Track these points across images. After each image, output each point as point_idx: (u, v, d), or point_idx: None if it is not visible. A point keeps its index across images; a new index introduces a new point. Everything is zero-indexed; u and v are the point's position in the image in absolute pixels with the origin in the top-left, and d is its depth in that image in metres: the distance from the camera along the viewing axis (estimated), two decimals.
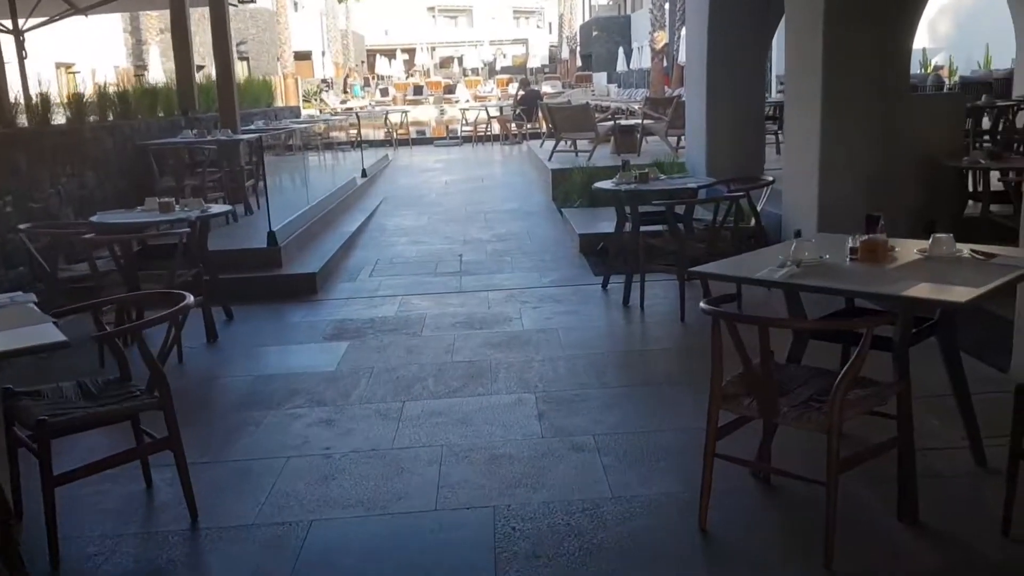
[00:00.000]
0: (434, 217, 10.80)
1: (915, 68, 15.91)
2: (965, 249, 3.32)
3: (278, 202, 9.60)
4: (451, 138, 21.35)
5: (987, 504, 3.29)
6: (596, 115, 13.78)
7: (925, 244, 3.39)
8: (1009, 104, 9.61)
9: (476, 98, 31.88)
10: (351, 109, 26.41)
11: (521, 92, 19.94)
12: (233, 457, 4.07)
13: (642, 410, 4.36)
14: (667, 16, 27.06)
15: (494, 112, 21.25)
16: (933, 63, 17.63)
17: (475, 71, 45.50)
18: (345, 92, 35.82)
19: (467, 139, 20.97)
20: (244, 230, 8.88)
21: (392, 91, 35.57)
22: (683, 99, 12.26)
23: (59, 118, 9.22)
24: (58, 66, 20.44)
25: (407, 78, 41.61)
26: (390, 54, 45.40)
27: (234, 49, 11.54)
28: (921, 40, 15.32)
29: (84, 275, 5.76)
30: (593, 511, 3.36)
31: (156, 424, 3.55)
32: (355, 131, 16.71)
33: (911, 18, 6.85)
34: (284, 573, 3.08)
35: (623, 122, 13.48)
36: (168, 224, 6.25)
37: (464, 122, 21.85)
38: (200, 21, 17.65)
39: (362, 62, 50.68)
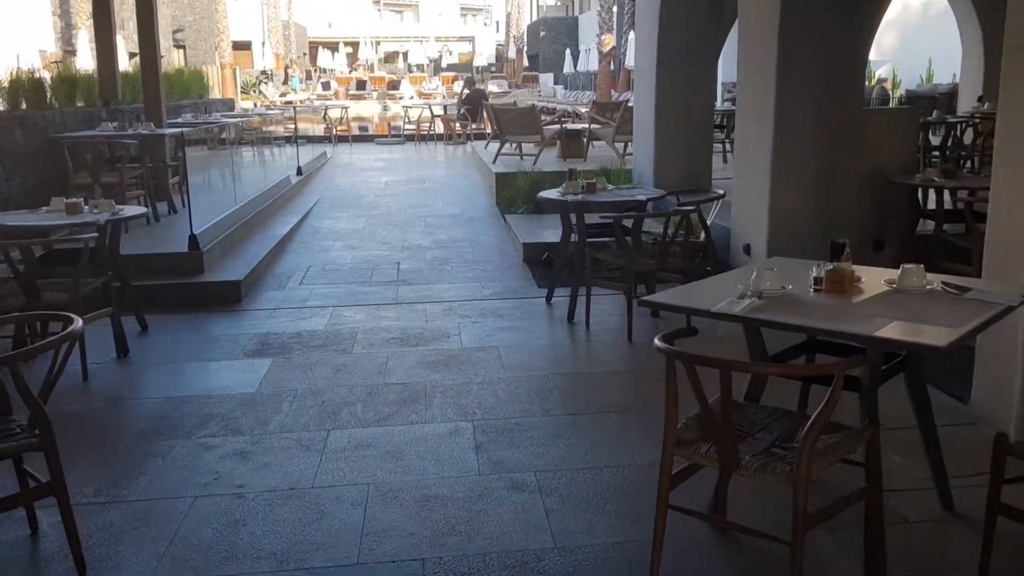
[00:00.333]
0: (372, 220, 10.37)
1: None
2: (936, 281, 3.07)
3: (205, 202, 9.08)
4: (393, 136, 20.87)
5: (958, 554, 3.06)
6: (543, 118, 13.48)
7: (893, 274, 3.14)
8: (959, 120, 9.54)
9: (421, 95, 31.39)
10: (290, 103, 25.72)
11: (466, 91, 19.58)
12: (133, 496, 3.63)
13: (588, 443, 4.02)
14: (615, 19, 26.94)
15: (438, 111, 20.83)
16: (877, 75, 17.73)
17: (420, 67, 44.92)
18: (285, 84, 35.00)
19: (410, 138, 20.51)
20: (166, 231, 8.35)
21: (334, 85, 34.88)
22: (631, 104, 12.02)
23: None
24: None
25: (350, 72, 40.91)
26: (333, 47, 44.59)
27: (161, 37, 10.89)
28: None
29: None
30: (535, 565, 3.02)
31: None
32: (292, 126, 16.15)
33: (866, 31, 6.68)
34: None
35: (570, 126, 13.20)
36: (75, 227, 5.74)
37: (407, 120, 21.37)
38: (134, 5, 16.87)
39: (304, 54, 49.70)
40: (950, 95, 13.20)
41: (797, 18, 6.29)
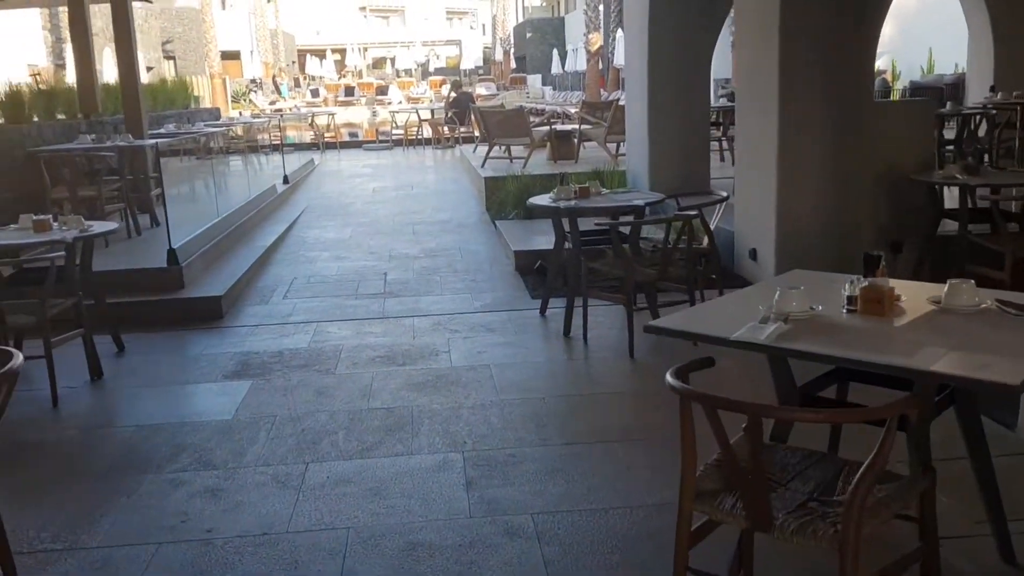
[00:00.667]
0: (359, 229, 10.04)
1: None
2: (988, 299, 2.71)
3: (186, 214, 8.77)
4: (381, 142, 20.52)
5: None
6: (531, 119, 13.17)
7: (936, 290, 2.77)
8: (974, 111, 9.18)
9: (409, 100, 31.08)
10: (280, 110, 25.40)
11: (453, 94, 19.25)
12: (93, 542, 3.31)
13: (590, 478, 3.67)
14: (601, 18, 26.67)
15: (426, 115, 20.50)
16: (876, 67, 17.39)
17: (408, 72, 44.61)
18: (275, 93, 34.67)
19: (398, 143, 20.18)
20: (147, 245, 8.02)
21: (323, 92, 34.56)
22: (623, 103, 11.73)
23: None
24: None
25: (339, 79, 40.57)
26: (321, 54, 44.29)
27: (151, 48, 10.57)
28: None
29: None
30: None
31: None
32: (279, 134, 15.82)
33: (876, 17, 6.36)
34: None
35: (560, 127, 12.89)
36: (42, 246, 5.41)
37: (395, 125, 21.04)
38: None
39: (293, 62, 49.34)
40: (955, 85, 12.86)
41: (799, 4, 5.99)
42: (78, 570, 3.13)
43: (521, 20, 46.67)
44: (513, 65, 41.65)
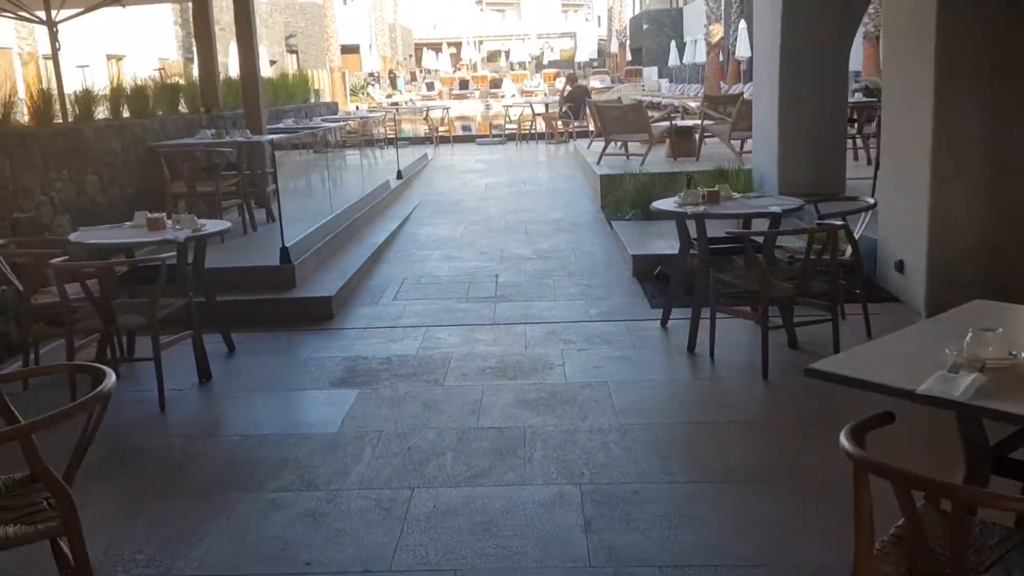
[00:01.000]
0: (471, 227, 9.82)
1: None
2: None
3: (301, 210, 8.74)
4: (494, 136, 20.35)
5: None
6: (650, 114, 12.68)
7: None
8: None
9: (522, 93, 30.89)
10: (396, 104, 25.61)
11: (568, 88, 18.87)
12: (188, 569, 3.13)
13: (724, 527, 3.26)
14: (723, 8, 25.78)
15: (540, 109, 20.21)
16: None
17: (522, 65, 44.44)
18: (392, 87, 35.11)
19: (511, 137, 19.96)
20: (262, 241, 7.98)
21: (438, 85, 34.77)
22: (748, 97, 11.13)
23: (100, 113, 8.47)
24: (109, 58, 19.89)
25: (454, 72, 40.80)
26: (437, 48, 44.62)
27: (274, 43, 10.61)
28: None
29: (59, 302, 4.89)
30: None
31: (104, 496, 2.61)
32: (393, 128, 15.84)
33: None
34: None
35: (680, 123, 12.38)
36: (155, 245, 5.36)
37: (508, 120, 20.84)
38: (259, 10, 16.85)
39: (410, 56, 49.98)
40: None
41: None
42: None
43: (638, 12, 45.83)
44: (628, 57, 40.99)
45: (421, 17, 52.64)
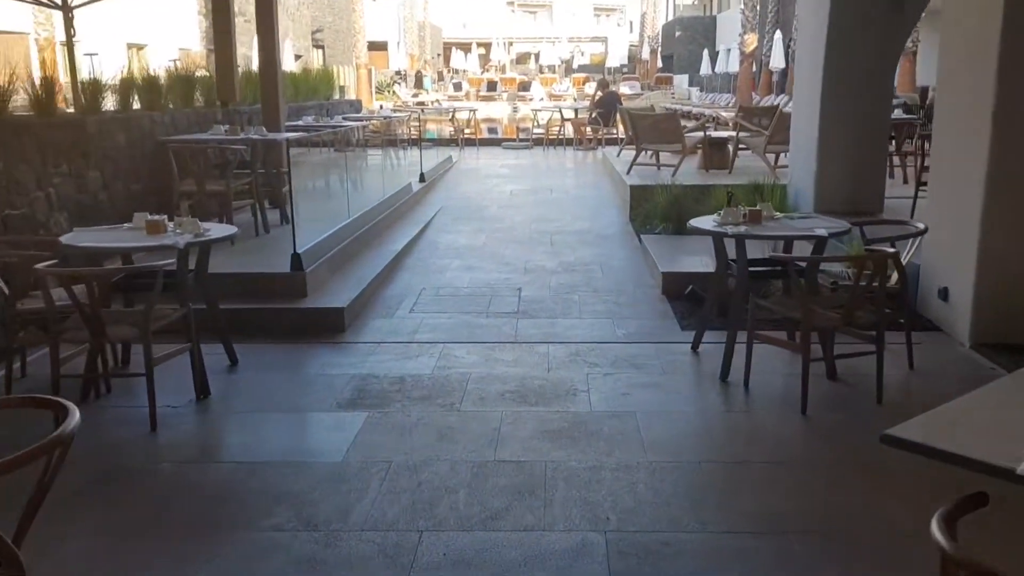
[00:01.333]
0: (494, 235, 9.49)
1: None
2: None
3: (316, 213, 8.44)
4: (521, 140, 20.01)
5: None
6: (684, 124, 12.30)
7: None
8: None
9: (551, 96, 30.57)
10: (422, 104, 25.34)
11: (599, 93, 18.48)
12: None
13: None
14: (758, 18, 25.33)
15: (568, 114, 19.84)
16: None
17: (551, 68, 44.12)
18: (418, 86, 34.87)
19: (538, 141, 19.61)
20: (272, 244, 7.68)
21: (466, 86, 34.51)
22: (787, 110, 10.74)
23: (108, 103, 8.18)
24: (130, 47, 19.78)
25: (482, 73, 40.52)
26: (466, 48, 44.35)
27: (300, 37, 10.32)
28: None
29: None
30: None
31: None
32: (418, 128, 15.53)
33: None
34: None
35: (714, 134, 11.99)
36: (153, 250, 5.06)
37: (536, 124, 20.50)
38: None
39: (438, 55, 49.80)
40: None
41: None
42: None
43: (671, 18, 45.42)
44: (659, 64, 40.55)
45: (451, 16, 52.43)
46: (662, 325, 6.11)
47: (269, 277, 6.54)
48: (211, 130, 8.85)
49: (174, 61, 14.78)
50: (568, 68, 46.51)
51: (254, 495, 3.67)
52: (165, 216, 5.07)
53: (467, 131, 20.15)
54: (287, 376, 5.22)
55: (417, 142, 15.41)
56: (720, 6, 40.42)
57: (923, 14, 7.82)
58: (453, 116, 20.60)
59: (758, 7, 25.38)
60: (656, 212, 8.83)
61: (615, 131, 17.08)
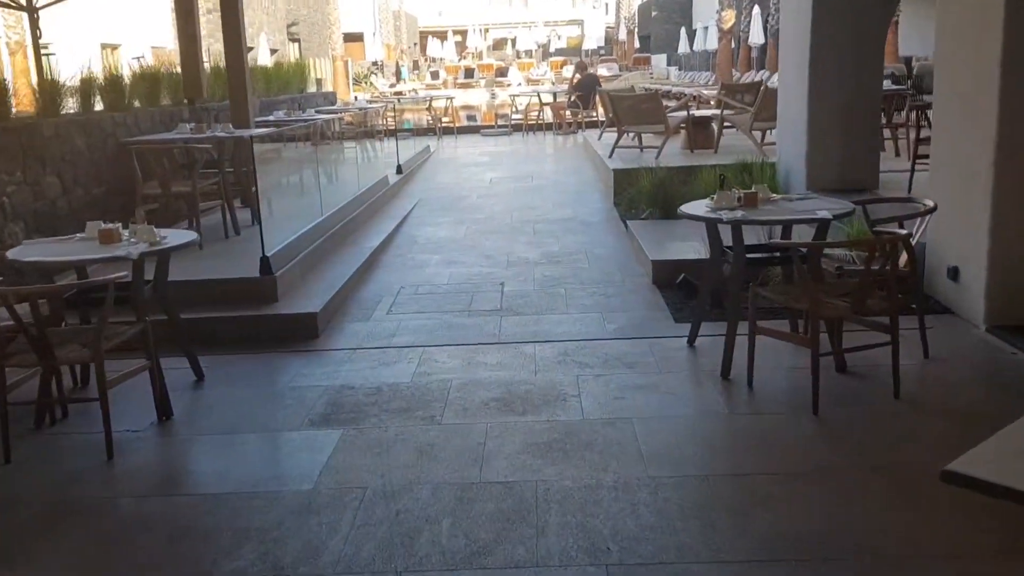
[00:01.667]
0: (474, 227, 9.12)
1: None
2: None
3: (287, 212, 8.07)
4: (500, 127, 19.60)
5: None
6: (666, 104, 11.93)
7: None
8: None
9: (529, 81, 30.14)
10: (399, 93, 24.89)
11: (577, 76, 18.07)
12: None
13: None
14: None
15: (547, 98, 19.44)
16: None
17: (528, 53, 43.60)
18: (396, 76, 34.38)
19: (517, 127, 19.20)
20: (242, 247, 7.26)
21: (443, 74, 34.03)
22: (771, 85, 10.41)
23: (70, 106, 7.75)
24: (104, 47, 19.21)
25: (459, 60, 40.01)
26: (442, 36, 43.77)
27: (275, 31, 9.89)
28: None
29: None
30: None
31: None
32: (394, 119, 15.11)
33: None
34: None
35: (697, 112, 11.64)
36: (108, 261, 4.66)
37: (514, 109, 20.08)
38: None
39: (415, 44, 49.19)
40: None
41: None
42: None
43: None
44: (637, 45, 40.15)
45: (426, 4, 51.79)
46: (654, 318, 5.77)
47: (237, 282, 6.16)
48: (176, 129, 8.44)
49: (138, 59, 14.28)
50: (545, 52, 46.06)
51: (216, 532, 3.31)
52: (119, 224, 4.70)
53: (445, 119, 19.73)
54: (256, 391, 4.86)
55: (394, 133, 15.00)
56: None
57: None
58: (430, 105, 20.17)
59: None
60: (641, 196, 8.49)
61: (595, 114, 16.70)
